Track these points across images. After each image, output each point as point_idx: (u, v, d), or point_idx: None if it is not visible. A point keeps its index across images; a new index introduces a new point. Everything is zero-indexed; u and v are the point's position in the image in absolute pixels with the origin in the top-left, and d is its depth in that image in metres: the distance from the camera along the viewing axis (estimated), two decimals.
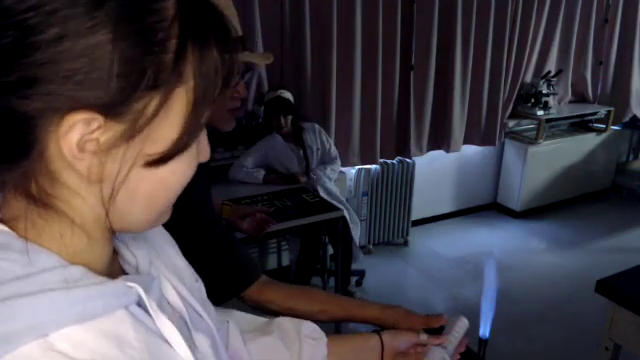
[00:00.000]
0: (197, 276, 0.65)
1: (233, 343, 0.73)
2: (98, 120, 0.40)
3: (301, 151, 3.03)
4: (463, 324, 0.89)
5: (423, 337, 0.87)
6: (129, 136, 0.42)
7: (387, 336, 0.86)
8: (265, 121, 3.11)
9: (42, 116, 0.39)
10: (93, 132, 0.40)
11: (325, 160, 3.14)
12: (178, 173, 0.47)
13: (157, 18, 0.41)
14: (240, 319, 0.79)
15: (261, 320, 0.83)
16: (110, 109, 0.40)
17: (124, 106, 0.41)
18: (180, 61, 0.42)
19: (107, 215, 0.45)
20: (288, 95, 2.95)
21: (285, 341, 0.80)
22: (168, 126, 0.44)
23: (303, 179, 2.96)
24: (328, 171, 3.08)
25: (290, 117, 2.96)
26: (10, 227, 0.44)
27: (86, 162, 0.41)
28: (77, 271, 0.43)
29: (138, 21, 0.40)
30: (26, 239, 0.43)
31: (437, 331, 0.90)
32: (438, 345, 0.85)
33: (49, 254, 0.43)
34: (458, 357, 0.88)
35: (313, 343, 0.81)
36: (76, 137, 0.40)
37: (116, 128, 0.41)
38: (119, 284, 0.45)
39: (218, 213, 1.89)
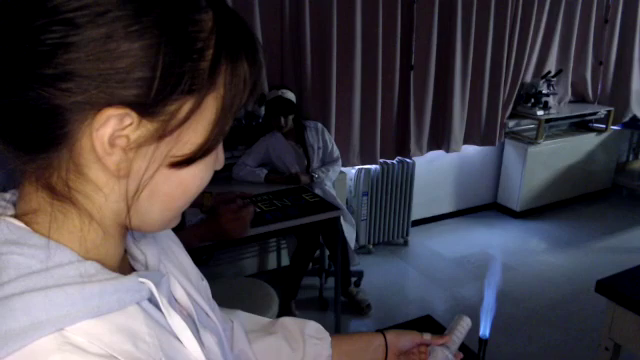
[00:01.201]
0: (202, 275, 0.65)
1: (238, 343, 0.73)
2: (132, 117, 0.41)
3: (301, 149, 3.03)
4: (466, 323, 0.89)
5: (427, 337, 0.87)
6: (159, 136, 0.43)
7: (391, 336, 0.87)
8: (265, 120, 3.10)
9: (78, 110, 0.40)
10: (125, 128, 0.41)
11: (326, 160, 3.14)
12: (198, 176, 0.48)
13: (197, 28, 0.43)
14: (244, 319, 0.80)
15: (265, 320, 0.84)
16: (145, 108, 0.42)
17: (158, 107, 0.42)
18: (215, 70, 0.44)
19: (128, 212, 0.46)
20: (290, 95, 2.94)
21: (289, 341, 0.80)
22: (197, 130, 0.45)
23: (304, 179, 2.96)
24: (330, 173, 3.09)
25: (291, 117, 2.96)
26: (25, 221, 0.44)
27: (115, 158, 0.42)
28: (92, 266, 0.44)
29: (180, 29, 0.42)
30: (49, 234, 0.44)
31: (440, 331, 0.90)
32: (441, 345, 0.86)
33: (65, 249, 0.44)
34: (461, 356, 0.88)
35: (317, 342, 0.82)
36: (109, 132, 0.41)
37: (148, 127, 0.43)
38: (132, 280, 0.45)
39: (199, 201, 1.87)
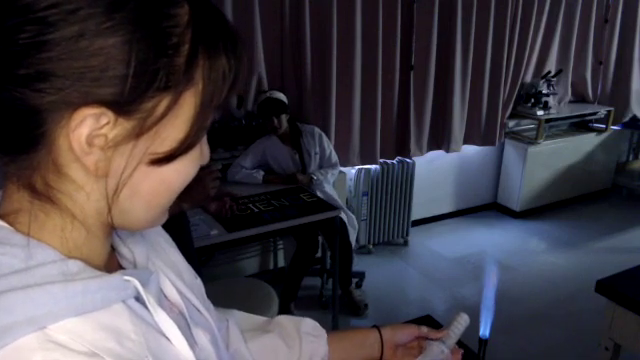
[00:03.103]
0: (196, 274, 0.65)
1: (234, 342, 0.73)
2: (108, 116, 0.41)
3: (297, 155, 3.02)
4: (464, 320, 0.88)
5: (424, 329, 0.87)
6: (137, 134, 0.43)
7: (386, 331, 0.86)
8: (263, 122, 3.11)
9: (54, 110, 0.40)
10: (102, 127, 0.41)
11: (324, 165, 3.13)
12: (181, 172, 0.48)
13: (172, 23, 0.42)
14: (239, 318, 0.79)
15: (260, 319, 0.83)
16: (121, 106, 0.41)
17: (135, 104, 0.42)
18: (191, 65, 0.44)
19: (110, 211, 0.46)
20: (279, 95, 2.95)
21: (285, 339, 0.80)
22: (175, 127, 0.45)
23: (302, 179, 2.95)
24: (329, 176, 3.08)
25: (284, 117, 2.95)
26: (9, 221, 0.44)
27: (94, 157, 0.42)
28: (75, 265, 0.43)
29: (154, 25, 0.41)
30: (28, 233, 0.43)
31: (437, 326, 0.90)
32: (438, 339, 0.85)
33: (48, 248, 0.43)
34: (461, 352, 0.87)
35: (314, 340, 0.81)
36: (86, 131, 0.41)
37: (125, 125, 0.42)
38: (117, 278, 0.45)
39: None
